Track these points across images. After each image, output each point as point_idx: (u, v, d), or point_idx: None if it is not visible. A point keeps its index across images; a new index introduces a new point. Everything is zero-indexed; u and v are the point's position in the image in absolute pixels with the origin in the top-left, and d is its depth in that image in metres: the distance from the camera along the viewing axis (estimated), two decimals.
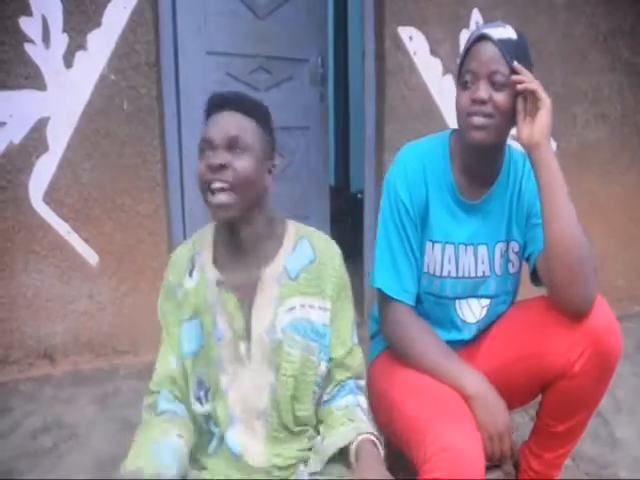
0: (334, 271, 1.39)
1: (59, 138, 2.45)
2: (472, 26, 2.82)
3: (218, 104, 1.32)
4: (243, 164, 1.26)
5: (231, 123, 1.28)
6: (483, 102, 1.40)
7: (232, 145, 1.26)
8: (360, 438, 1.30)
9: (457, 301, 1.61)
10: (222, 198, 1.24)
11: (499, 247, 1.58)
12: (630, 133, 3.18)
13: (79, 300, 2.57)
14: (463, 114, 1.44)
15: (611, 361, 1.41)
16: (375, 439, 1.31)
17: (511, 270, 1.61)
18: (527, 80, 1.39)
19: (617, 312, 3.06)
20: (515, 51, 1.42)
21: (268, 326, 1.32)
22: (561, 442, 1.56)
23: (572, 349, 1.40)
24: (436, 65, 2.83)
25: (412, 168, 1.55)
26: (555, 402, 1.49)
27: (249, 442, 1.32)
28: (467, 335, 1.64)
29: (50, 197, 2.47)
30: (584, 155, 3.12)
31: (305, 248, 1.38)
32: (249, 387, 1.32)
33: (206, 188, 1.26)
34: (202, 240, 1.41)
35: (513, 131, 1.47)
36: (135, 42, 2.49)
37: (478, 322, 1.63)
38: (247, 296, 1.32)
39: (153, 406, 1.37)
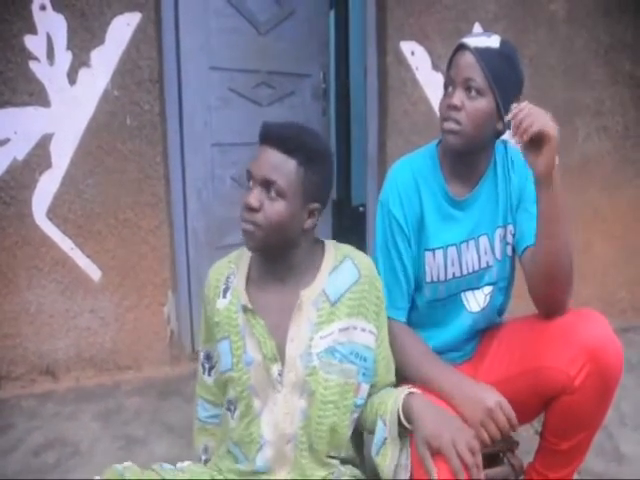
0: (377, 291, 1.38)
1: (62, 154, 2.46)
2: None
3: (264, 136, 1.27)
4: (275, 210, 1.24)
5: (269, 163, 1.24)
6: (456, 108, 1.46)
7: (268, 186, 1.24)
8: (402, 397, 1.31)
9: (463, 294, 1.64)
10: (248, 227, 1.25)
11: (498, 233, 1.61)
12: (632, 146, 3.18)
13: (82, 316, 2.56)
14: (441, 119, 1.51)
15: (612, 375, 1.41)
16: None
17: (509, 253, 1.65)
18: (527, 124, 1.33)
19: (621, 324, 3.12)
20: (494, 59, 1.45)
21: (303, 351, 1.29)
22: (566, 461, 1.55)
23: (572, 364, 1.40)
24: (438, 80, 2.84)
25: (403, 183, 1.58)
26: (558, 419, 1.49)
27: (276, 464, 1.33)
28: (469, 325, 1.65)
29: (53, 213, 2.48)
30: (586, 168, 3.12)
31: (349, 268, 1.36)
32: (281, 412, 1.31)
33: (241, 220, 1.27)
34: (240, 260, 1.40)
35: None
36: (138, 59, 2.50)
37: (482, 310, 1.64)
38: (282, 320, 1.30)
39: (195, 412, 1.52)
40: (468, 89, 1.46)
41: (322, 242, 1.40)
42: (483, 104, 1.46)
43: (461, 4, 2.81)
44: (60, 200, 2.48)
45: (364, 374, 1.34)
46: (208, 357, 1.45)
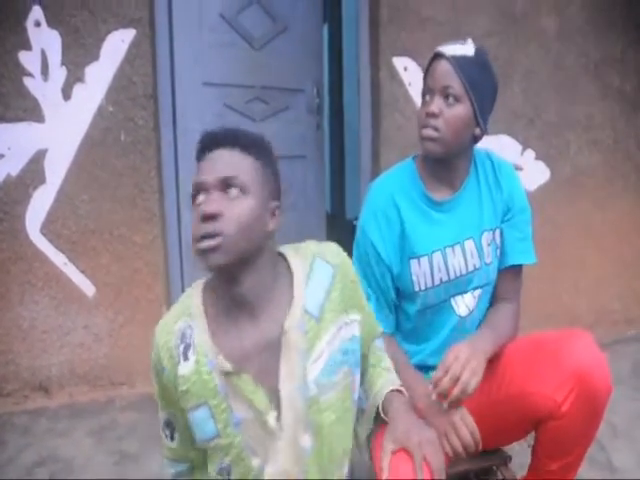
0: (350, 274, 1.25)
1: (56, 170, 2.46)
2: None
3: (210, 143, 1.13)
4: (240, 209, 1.07)
5: (223, 163, 1.10)
6: (434, 115, 1.48)
7: (226, 186, 1.08)
8: (386, 392, 1.30)
9: (452, 299, 1.64)
10: (211, 242, 1.04)
11: (485, 237, 1.61)
12: (622, 159, 3.21)
13: (75, 332, 2.55)
14: (419, 126, 1.53)
15: (599, 400, 1.41)
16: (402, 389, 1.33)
17: (499, 256, 1.66)
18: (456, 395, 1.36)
19: (613, 336, 3.14)
20: (470, 67, 1.49)
21: (299, 385, 1.12)
22: (558, 478, 1.55)
23: (558, 390, 1.40)
24: None
25: (380, 203, 1.60)
26: (547, 441, 1.49)
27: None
28: (459, 329, 1.65)
29: (47, 229, 2.47)
30: (577, 181, 3.15)
31: (321, 268, 1.20)
32: (288, 460, 1.14)
33: (196, 240, 1.07)
34: (190, 307, 1.17)
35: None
36: (132, 74, 2.51)
37: (471, 313, 1.65)
38: (269, 362, 1.12)
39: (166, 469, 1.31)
40: (446, 97, 1.48)
41: (280, 253, 1.21)
42: (461, 110, 1.49)
43: (453, 20, 2.85)
44: (54, 216, 2.48)
45: (356, 364, 1.22)
46: (168, 424, 1.24)
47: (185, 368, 1.13)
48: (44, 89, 2.43)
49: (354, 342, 1.21)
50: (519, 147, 3.00)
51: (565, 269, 3.15)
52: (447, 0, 2.84)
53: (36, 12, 2.39)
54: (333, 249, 1.25)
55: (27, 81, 2.40)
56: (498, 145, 2.90)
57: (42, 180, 2.45)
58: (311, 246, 1.24)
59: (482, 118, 1.53)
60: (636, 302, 3.32)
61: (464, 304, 1.64)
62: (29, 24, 2.39)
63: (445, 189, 1.61)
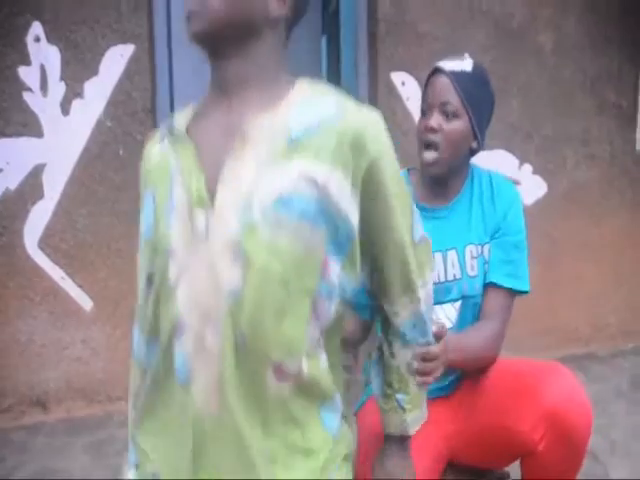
0: (373, 137, 0.97)
1: (55, 184, 2.47)
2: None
3: None
4: None
5: None
6: (434, 130, 1.49)
7: None
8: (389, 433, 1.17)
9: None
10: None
11: (470, 249, 1.60)
12: (619, 174, 3.22)
13: (73, 346, 2.55)
14: (418, 138, 1.55)
15: (577, 439, 1.41)
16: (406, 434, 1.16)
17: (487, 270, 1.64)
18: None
19: (611, 349, 3.13)
20: (468, 82, 1.50)
21: (241, 201, 0.90)
22: None
23: (534, 429, 1.41)
24: None
25: None
26: (530, 473, 1.50)
27: (198, 364, 0.91)
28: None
29: (45, 243, 2.47)
30: (574, 196, 3.16)
31: (325, 103, 0.98)
32: (204, 279, 0.91)
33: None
34: (184, 110, 1.05)
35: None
36: (131, 89, 2.52)
37: (453, 326, 1.61)
38: (221, 152, 0.92)
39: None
40: (445, 112, 1.50)
41: (294, 78, 1.05)
42: (459, 125, 1.50)
43: (451, 35, 2.87)
44: (52, 230, 2.48)
45: (335, 244, 0.93)
46: (149, 280, 0.99)
47: (155, 149, 1.03)
48: (43, 104, 2.44)
49: (344, 220, 0.93)
50: (516, 161, 3.01)
51: (562, 283, 3.15)
52: (444, 15, 2.86)
53: (36, 28, 2.40)
54: (360, 108, 1.02)
55: (26, 96, 2.41)
56: (495, 159, 2.91)
57: (40, 195, 2.46)
58: (334, 90, 1.02)
59: (480, 132, 1.54)
60: (633, 315, 3.33)
61: (444, 315, 1.61)
62: (29, 39, 2.40)
63: (438, 201, 1.61)
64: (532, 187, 3.06)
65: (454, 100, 1.49)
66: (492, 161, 2.86)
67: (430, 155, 1.52)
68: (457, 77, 1.49)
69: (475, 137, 1.54)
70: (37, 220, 2.46)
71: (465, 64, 1.53)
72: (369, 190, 0.96)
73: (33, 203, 2.45)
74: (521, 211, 1.63)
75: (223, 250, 0.90)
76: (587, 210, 3.20)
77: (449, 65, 1.52)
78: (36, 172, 2.45)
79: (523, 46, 3.00)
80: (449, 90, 1.49)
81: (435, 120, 1.50)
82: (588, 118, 3.14)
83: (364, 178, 0.95)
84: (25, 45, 2.40)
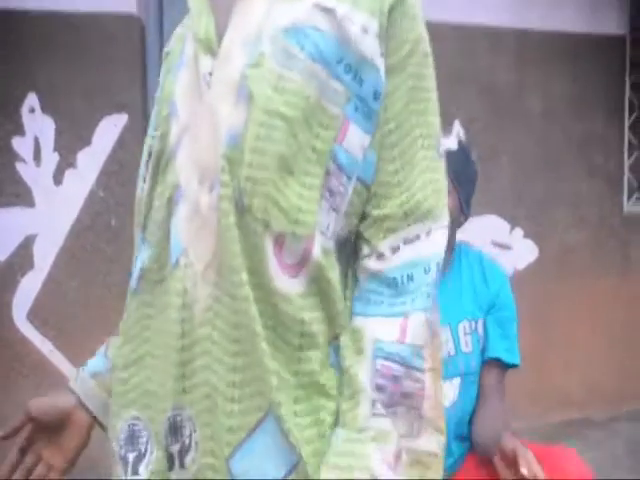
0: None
1: (46, 255, 2.44)
2: (453, 138, 2.92)
3: None
4: None
5: None
6: None
7: None
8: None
9: None
10: None
11: (462, 326, 1.60)
12: (608, 236, 3.26)
13: None
14: None
15: None
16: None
17: (482, 348, 1.64)
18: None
19: (606, 413, 3.10)
20: (455, 161, 1.50)
21: (250, 35, 0.77)
22: None
23: None
24: None
25: None
26: None
27: (192, 235, 0.76)
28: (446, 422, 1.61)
29: (34, 315, 2.44)
30: (565, 258, 3.18)
31: None
32: (205, 133, 0.77)
33: None
34: None
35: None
36: (124, 159, 2.52)
37: (454, 404, 1.59)
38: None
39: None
40: None
41: None
42: (449, 203, 1.51)
43: (441, 102, 2.90)
44: (41, 302, 2.44)
45: (358, 110, 0.76)
46: (149, 156, 0.86)
47: (178, 29, 0.92)
48: (36, 174, 2.43)
49: (371, 70, 0.76)
50: (507, 226, 3.04)
51: (555, 346, 3.15)
52: None
53: (31, 99, 2.42)
54: None
55: (19, 167, 2.41)
56: (487, 224, 2.93)
57: (31, 265, 2.43)
58: None
59: (467, 206, 1.57)
60: (628, 378, 3.32)
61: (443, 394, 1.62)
62: (24, 110, 2.41)
63: None
64: (524, 251, 3.08)
65: None
66: (484, 226, 2.89)
67: None
68: (444, 157, 1.52)
69: (462, 211, 1.56)
70: (26, 292, 2.43)
71: (450, 142, 1.56)
72: (390, 48, 0.78)
73: (23, 274, 2.42)
74: (510, 288, 1.65)
75: (227, 92, 0.76)
76: (578, 272, 3.22)
77: None
78: (27, 243, 2.43)
79: (511, 112, 3.05)
80: None
81: None
82: (577, 181, 3.19)
83: (388, 15, 0.77)
84: (20, 116, 2.41)
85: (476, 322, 1.62)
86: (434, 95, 0.84)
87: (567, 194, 3.16)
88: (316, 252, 0.74)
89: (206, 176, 0.76)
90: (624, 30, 3.19)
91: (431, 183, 0.81)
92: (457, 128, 2.95)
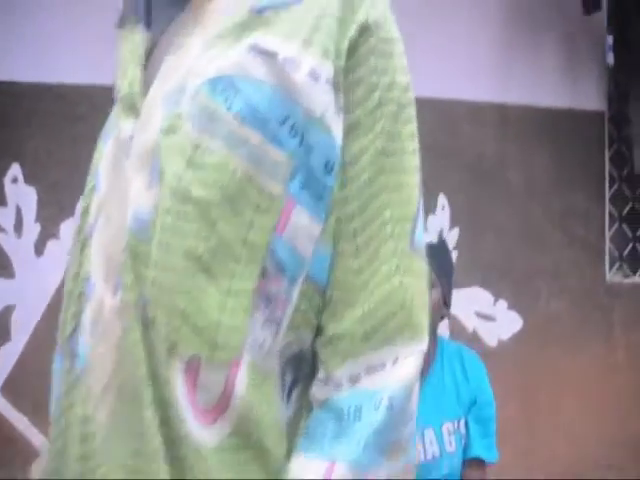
0: (384, 32, 0.62)
1: (23, 327, 2.40)
2: (438, 211, 2.92)
3: None
4: None
5: None
6: None
7: None
8: None
9: None
10: None
11: (446, 426, 1.61)
12: (590, 307, 3.27)
13: None
14: None
15: None
16: None
17: (464, 445, 1.66)
18: None
19: None
20: (436, 254, 1.56)
21: (174, 89, 0.61)
22: None
23: None
24: None
25: None
26: None
27: (95, 350, 0.63)
28: None
29: (9, 389, 2.37)
30: (549, 328, 3.18)
31: None
32: (116, 214, 0.63)
33: None
34: None
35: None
36: None
37: None
38: (172, 36, 0.67)
39: None
40: None
41: None
42: (434, 296, 1.54)
43: (425, 176, 2.93)
44: (17, 375, 2.38)
45: (306, 188, 0.59)
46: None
47: None
48: (17, 245, 2.41)
49: (323, 133, 0.59)
50: (491, 298, 3.04)
51: (541, 416, 3.11)
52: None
53: (15, 169, 2.41)
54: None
55: (0, 237, 2.38)
56: (471, 296, 2.93)
57: (7, 338, 2.38)
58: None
59: (448, 299, 1.62)
60: (615, 448, 3.27)
61: None
62: (6, 180, 2.40)
63: None
64: (508, 322, 3.07)
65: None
66: (468, 297, 2.89)
67: None
68: (427, 252, 1.54)
69: (445, 304, 1.61)
70: (1, 365, 2.37)
71: (431, 237, 1.60)
72: (351, 81, 0.60)
73: None
74: (489, 381, 1.69)
75: (141, 164, 0.61)
76: (562, 342, 3.21)
77: None
78: (5, 314, 2.38)
79: (492, 185, 3.09)
80: None
81: None
82: (558, 252, 3.21)
83: (347, 55, 0.59)
84: (2, 186, 2.40)
85: (459, 421, 1.63)
86: (413, 161, 0.67)
87: (550, 265, 3.18)
88: (241, 386, 0.56)
89: (111, 272, 0.61)
90: (603, 106, 3.27)
91: (401, 289, 0.62)
92: (442, 201, 2.95)
